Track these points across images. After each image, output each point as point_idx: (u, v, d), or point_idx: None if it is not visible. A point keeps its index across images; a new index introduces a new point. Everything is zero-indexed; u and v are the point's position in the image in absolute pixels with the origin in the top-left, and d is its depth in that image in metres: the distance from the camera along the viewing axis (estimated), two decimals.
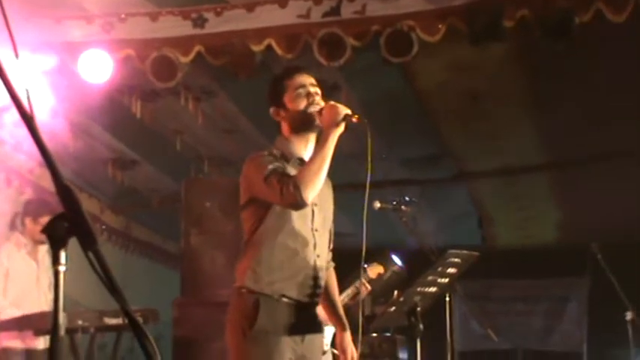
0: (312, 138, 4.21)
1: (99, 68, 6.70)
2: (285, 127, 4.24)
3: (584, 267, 10.03)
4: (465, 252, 5.27)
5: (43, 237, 6.74)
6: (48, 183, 8.09)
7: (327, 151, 3.99)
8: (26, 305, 6.56)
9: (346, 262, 6.76)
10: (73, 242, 2.27)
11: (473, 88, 7.96)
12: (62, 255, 2.21)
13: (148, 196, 10.41)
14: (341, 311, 4.54)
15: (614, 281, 7.35)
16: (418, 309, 5.12)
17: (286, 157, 4.17)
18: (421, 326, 5.07)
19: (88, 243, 2.17)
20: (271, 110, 4.23)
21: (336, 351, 6.38)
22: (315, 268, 4.20)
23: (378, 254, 7.38)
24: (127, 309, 2.26)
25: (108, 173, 9.34)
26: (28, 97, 2.22)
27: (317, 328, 4.29)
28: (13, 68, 2.25)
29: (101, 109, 7.37)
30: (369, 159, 3.96)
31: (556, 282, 12.92)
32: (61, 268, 2.21)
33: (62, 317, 2.24)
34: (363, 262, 5.79)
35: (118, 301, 2.27)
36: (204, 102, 7.98)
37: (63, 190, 2.18)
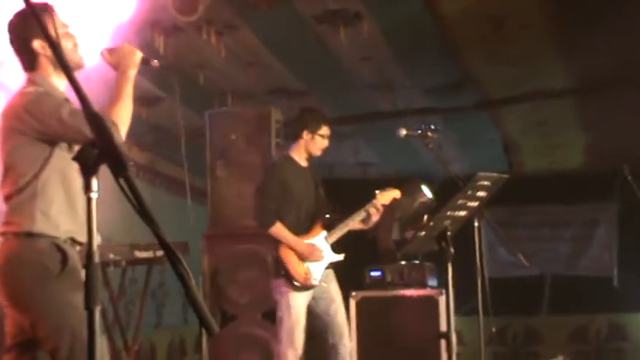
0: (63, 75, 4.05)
1: (122, 3, 6.67)
2: (46, 64, 4.12)
3: (611, 191, 10.03)
4: (494, 174, 5.28)
5: None
6: None
7: (131, 91, 4.20)
8: None
9: (371, 190, 6.83)
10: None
11: (496, 13, 7.87)
12: (94, 182, 2.23)
13: (173, 131, 10.41)
14: None
15: None
16: (448, 233, 5.14)
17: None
18: (452, 250, 5.09)
19: (119, 169, 2.19)
20: (36, 43, 4.06)
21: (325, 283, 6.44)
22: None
23: (407, 183, 7.40)
24: (159, 233, 2.29)
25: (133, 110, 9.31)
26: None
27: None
28: None
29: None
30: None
31: (584, 207, 12.86)
32: (93, 195, 2.23)
33: (96, 243, 2.27)
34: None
35: (150, 226, 2.29)
36: (226, 36, 7.93)
37: (92, 118, 2.20)
